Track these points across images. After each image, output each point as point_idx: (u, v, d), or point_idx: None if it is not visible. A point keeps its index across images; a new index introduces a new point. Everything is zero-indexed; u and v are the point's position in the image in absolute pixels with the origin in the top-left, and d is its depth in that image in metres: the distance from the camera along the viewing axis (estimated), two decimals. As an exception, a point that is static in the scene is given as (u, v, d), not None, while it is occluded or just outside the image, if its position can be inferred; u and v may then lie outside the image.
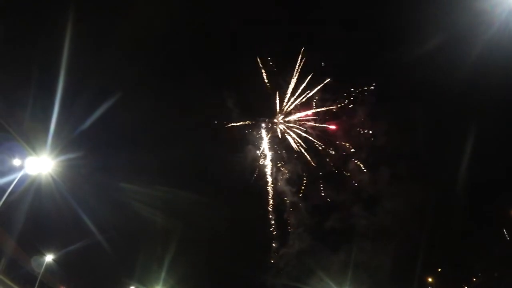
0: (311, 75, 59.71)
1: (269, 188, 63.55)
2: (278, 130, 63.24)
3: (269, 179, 63.00)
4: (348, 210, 63.96)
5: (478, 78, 45.93)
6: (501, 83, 41.40)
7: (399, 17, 51.31)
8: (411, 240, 59.22)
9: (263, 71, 60.47)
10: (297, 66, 59.84)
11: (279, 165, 64.48)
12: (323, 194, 63.55)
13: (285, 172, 63.76)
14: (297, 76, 60.57)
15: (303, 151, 62.63)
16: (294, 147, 63.05)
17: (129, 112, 64.16)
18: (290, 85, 60.54)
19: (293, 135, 62.72)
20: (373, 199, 64.49)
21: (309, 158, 62.70)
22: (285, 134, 63.15)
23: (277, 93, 61.05)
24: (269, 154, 63.28)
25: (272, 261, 60.97)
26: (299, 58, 59.97)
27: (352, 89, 61.02)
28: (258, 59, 60.20)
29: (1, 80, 42.59)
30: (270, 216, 62.31)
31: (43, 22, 51.54)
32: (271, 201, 63.49)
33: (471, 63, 41.45)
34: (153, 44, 68.43)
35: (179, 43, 68.82)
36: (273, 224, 63.42)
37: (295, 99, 61.59)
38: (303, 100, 61.44)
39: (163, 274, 59.15)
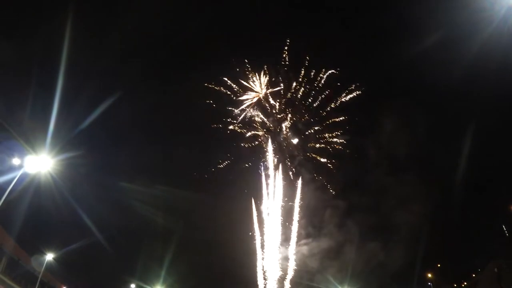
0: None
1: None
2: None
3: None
4: (347, 207, 63.87)
5: (477, 75, 46.00)
6: (500, 79, 41.41)
7: (397, 15, 51.33)
8: (411, 236, 59.33)
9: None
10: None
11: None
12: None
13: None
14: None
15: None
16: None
17: (128, 111, 64.28)
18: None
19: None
20: (373, 196, 64.48)
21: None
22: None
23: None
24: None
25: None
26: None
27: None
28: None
29: (1, 79, 42.59)
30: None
31: (42, 22, 51.53)
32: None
33: (470, 60, 41.48)
34: (152, 44, 68.53)
35: (177, 43, 68.88)
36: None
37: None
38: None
39: (163, 272, 59.26)
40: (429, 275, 64.84)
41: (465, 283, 63.57)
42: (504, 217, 56.44)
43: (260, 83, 61.39)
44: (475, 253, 59.78)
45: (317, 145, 62.41)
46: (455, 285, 65.13)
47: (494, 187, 58.59)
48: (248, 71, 61.15)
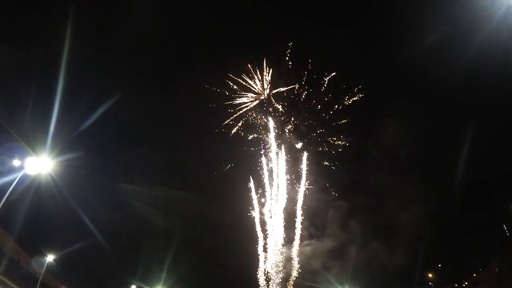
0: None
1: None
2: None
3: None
4: (348, 207, 63.85)
5: (477, 74, 46.04)
6: (500, 78, 41.45)
7: (397, 14, 51.43)
8: (411, 236, 59.36)
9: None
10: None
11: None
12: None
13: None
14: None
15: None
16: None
17: (128, 112, 64.32)
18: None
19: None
20: (374, 196, 64.50)
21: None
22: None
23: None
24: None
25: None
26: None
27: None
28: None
29: (2, 80, 42.64)
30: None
31: (42, 23, 51.59)
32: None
33: (470, 60, 41.52)
34: (152, 44, 68.55)
35: (177, 43, 68.94)
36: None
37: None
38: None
39: (163, 273, 59.19)
40: (430, 275, 64.81)
41: (466, 283, 63.45)
42: (504, 217, 56.39)
43: (262, 84, 61.32)
44: (475, 253, 59.75)
45: (320, 148, 62.42)
46: (456, 285, 65.04)
47: (494, 187, 58.51)
48: (249, 72, 61.13)
